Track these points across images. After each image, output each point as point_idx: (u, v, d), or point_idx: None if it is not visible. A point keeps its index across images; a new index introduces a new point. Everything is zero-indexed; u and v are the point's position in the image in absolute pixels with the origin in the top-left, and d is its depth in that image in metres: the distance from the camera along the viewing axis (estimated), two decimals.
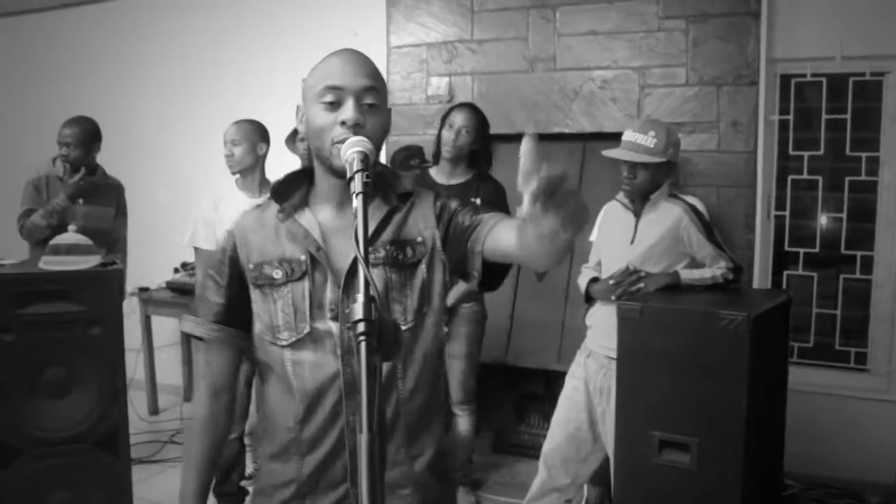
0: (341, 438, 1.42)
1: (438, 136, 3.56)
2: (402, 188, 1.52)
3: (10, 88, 6.00)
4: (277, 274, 1.46)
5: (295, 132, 4.06)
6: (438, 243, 1.49)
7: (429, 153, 3.75)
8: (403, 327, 1.43)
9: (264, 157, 3.49)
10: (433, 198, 1.54)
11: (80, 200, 3.87)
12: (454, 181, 3.51)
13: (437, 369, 1.53)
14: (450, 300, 3.31)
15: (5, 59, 6.04)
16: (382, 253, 1.45)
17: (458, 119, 3.52)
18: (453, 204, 1.53)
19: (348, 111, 1.37)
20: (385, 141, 1.54)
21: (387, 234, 1.47)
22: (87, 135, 3.84)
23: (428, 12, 4.26)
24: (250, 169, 3.43)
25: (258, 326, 1.48)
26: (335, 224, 1.47)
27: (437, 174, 3.57)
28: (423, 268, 1.47)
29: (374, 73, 1.44)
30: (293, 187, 1.52)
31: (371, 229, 1.41)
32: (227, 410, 1.57)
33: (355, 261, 1.40)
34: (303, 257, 1.45)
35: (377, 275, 1.43)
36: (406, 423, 1.45)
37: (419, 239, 1.48)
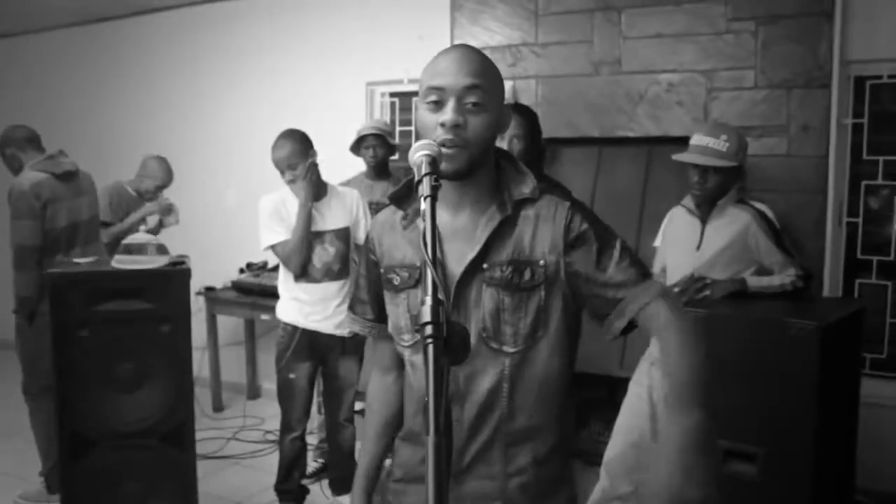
0: None
1: None
2: (520, 194, 1.45)
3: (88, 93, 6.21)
4: (397, 280, 1.50)
5: (359, 140, 4.11)
6: (562, 274, 1.41)
7: None
8: (512, 350, 1.41)
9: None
10: (566, 215, 1.42)
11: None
12: None
13: (553, 395, 1.46)
14: None
15: (86, 65, 6.26)
16: (498, 274, 1.40)
17: (508, 129, 3.29)
18: (590, 233, 1.41)
19: (447, 113, 1.36)
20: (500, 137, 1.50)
21: (506, 253, 1.41)
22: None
23: (492, 15, 4.26)
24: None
25: (389, 325, 1.56)
26: (452, 227, 1.45)
27: None
28: (541, 293, 1.41)
29: (478, 72, 1.39)
30: (414, 191, 1.48)
31: (482, 240, 1.41)
32: (396, 385, 1.68)
33: (465, 273, 1.42)
34: (418, 264, 1.46)
35: (489, 295, 1.41)
36: (505, 442, 1.44)
37: (542, 262, 1.41)
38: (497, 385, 1.42)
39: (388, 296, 1.54)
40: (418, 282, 1.46)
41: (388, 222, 1.56)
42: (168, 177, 4.58)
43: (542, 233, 1.42)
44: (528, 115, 3.41)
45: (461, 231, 1.44)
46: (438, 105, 1.38)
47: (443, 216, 1.44)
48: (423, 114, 1.41)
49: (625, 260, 1.41)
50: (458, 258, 1.42)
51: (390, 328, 1.56)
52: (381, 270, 1.54)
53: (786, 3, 3.54)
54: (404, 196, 1.53)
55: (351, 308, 1.68)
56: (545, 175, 3.53)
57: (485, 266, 1.41)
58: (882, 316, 3.64)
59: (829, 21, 3.47)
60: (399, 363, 1.64)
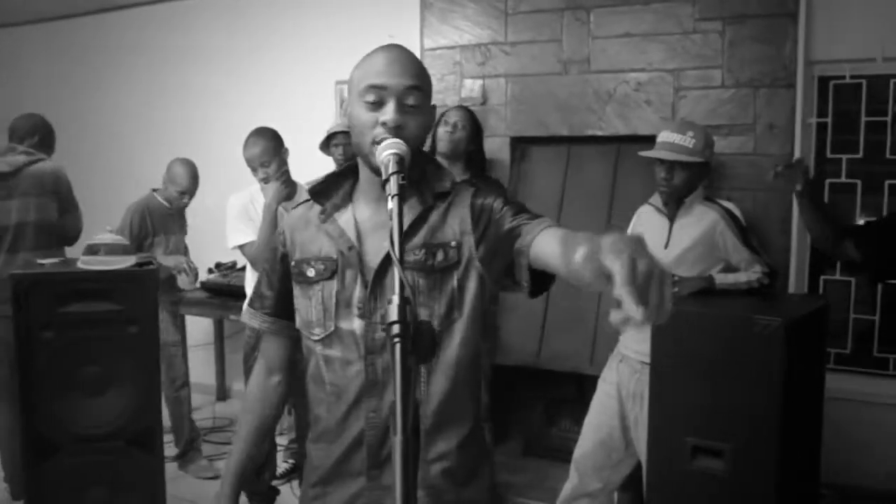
0: (362, 433, 1.45)
1: (434, 135, 3.60)
2: (441, 187, 1.50)
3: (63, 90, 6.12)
4: (311, 272, 1.50)
5: (329, 138, 4.09)
6: (473, 250, 1.46)
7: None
8: None
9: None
10: (471, 196, 1.49)
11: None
12: None
13: (466, 378, 1.49)
14: None
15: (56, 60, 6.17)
16: (412, 258, 1.43)
17: (454, 116, 3.70)
18: (495, 204, 1.47)
19: (389, 113, 1.37)
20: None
21: (419, 237, 1.45)
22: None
23: (462, 14, 4.26)
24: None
25: (297, 320, 1.55)
26: (373, 221, 1.48)
27: None
28: (454, 273, 1.45)
29: (417, 73, 1.42)
30: (334, 186, 1.55)
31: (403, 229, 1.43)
32: (277, 389, 1.67)
33: (384, 260, 1.43)
34: (335, 256, 1.48)
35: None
36: (424, 428, 1.43)
37: (453, 243, 1.46)
38: (415, 371, 1.42)
39: (298, 289, 1.54)
40: (335, 273, 1.48)
41: (303, 217, 1.57)
42: (191, 182, 4.19)
43: (452, 217, 1.47)
44: (471, 113, 3.83)
45: (382, 224, 1.44)
46: (377, 105, 1.39)
47: (364, 211, 1.50)
48: (359, 111, 1.41)
49: (525, 211, 1.44)
50: (377, 250, 1.44)
51: (298, 322, 1.55)
52: (292, 263, 1.55)
53: (752, 4, 3.58)
54: (323, 191, 1.55)
55: (250, 303, 1.66)
56: (486, 175, 3.62)
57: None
58: (846, 312, 3.69)
59: (794, 22, 3.52)
60: (286, 366, 1.65)
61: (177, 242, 4.26)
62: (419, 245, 1.44)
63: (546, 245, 1.31)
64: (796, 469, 2.62)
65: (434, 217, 1.47)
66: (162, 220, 4.17)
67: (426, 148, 3.60)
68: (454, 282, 1.45)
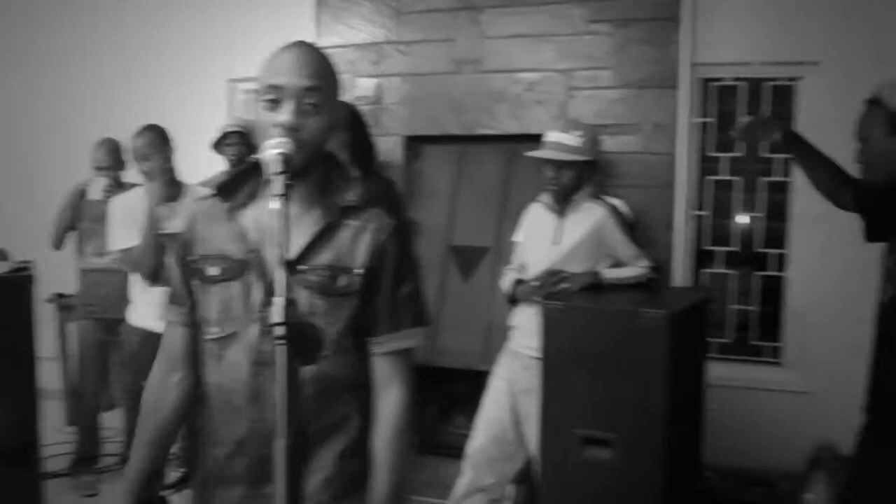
0: (243, 440, 1.43)
1: None
2: (346, 201, 1.46)
3: None
4: (214, 270, 1.46)
5: (223, 137, 4.00)
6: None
7: None
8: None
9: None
10: (385, 234, 1.46)
11: None
12: None
13: (356, 392, 1.47)
14: None
15: None
16: (314, 278, 1.41)
17: None
18: (395, 259, 1.46)
19: (285, 114, 1.34)
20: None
21: (324, 257, 1.42)
22: None
23: (356, 13, 4.23)
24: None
25: (197, 313, 1.50)
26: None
27: None
28: (355, 301, 1.44)
29: (318, 72, 1.38)
30: (241, 183, 1.49)
31: (302, 244, 1.40)
32: (178, 387, 1.55)
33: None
34: (238, 257, 1.44)
35: (302, 297, 1.38)
36: (310, 441, 1.43)
37: (356, 271, 1.43)
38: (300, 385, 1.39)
39: (198, 284, 1.49)
40: (237, 275, 1.44)
41: (209, 211, 1.50)
42: (105, 157, 3.93)
43: (362, 243, 1.44)
44: (349, 107, 3.44)
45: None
46: (275, 104, 1.36)
47: (269, 211, 1.42)
48: (260, 110, 1.38)
49: (410, 300, 1.49)
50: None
51: (198, 316, 1.50)
52: (192, 257, 1.49)
53: (640, 7, 3.70)
54: (229, 187, 1.50)
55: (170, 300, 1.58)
56: (374, 171, 3.49)
57: (303, 268, 1.41)
58: (726, 303, 3.88)
59: (678, 26, 3.65)
60: (188, 362, 1.54)
61: None
62: (324, 266, 1.41)
63: (379, 373, 1.48)
64: (680, 454, 2.72)
65: (344, 237, 1.44)
66: (94, 208, 3.91)
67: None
68: (352, 309, 1.44)
